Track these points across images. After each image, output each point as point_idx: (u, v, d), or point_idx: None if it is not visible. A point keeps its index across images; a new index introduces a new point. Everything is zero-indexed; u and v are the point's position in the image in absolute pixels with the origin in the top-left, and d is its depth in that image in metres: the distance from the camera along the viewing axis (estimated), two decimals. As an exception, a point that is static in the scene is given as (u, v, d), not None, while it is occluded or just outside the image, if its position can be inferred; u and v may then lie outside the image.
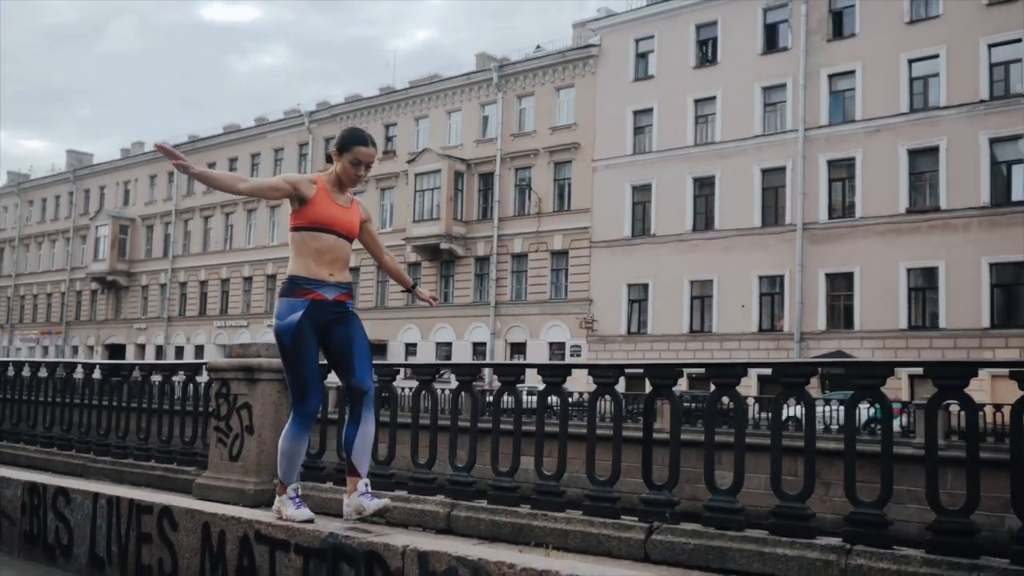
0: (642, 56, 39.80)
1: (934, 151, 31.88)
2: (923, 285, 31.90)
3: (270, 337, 39.41)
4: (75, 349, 62.06)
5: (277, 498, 4.68)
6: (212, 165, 55.99)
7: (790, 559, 4.63)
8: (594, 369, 5.83)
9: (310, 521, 4.41)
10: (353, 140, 4.78)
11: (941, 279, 31.32)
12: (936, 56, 32.04)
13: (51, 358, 61.54)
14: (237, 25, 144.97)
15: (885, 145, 32.72)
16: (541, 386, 6.04)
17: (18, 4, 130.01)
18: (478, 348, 42.74)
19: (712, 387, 5.39)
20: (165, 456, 8.31)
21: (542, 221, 41.65)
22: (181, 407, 8.42)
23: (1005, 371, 4.40)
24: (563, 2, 76.80)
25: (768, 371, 5.59)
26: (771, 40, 36.30)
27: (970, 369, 4.53)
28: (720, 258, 35.96)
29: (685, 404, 24.95)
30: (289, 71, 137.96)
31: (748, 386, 29.14)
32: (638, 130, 39.41)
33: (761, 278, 35.25)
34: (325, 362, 4.95)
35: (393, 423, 6.96)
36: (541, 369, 6.02)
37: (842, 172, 34.01)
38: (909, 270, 31.98)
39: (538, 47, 45.89)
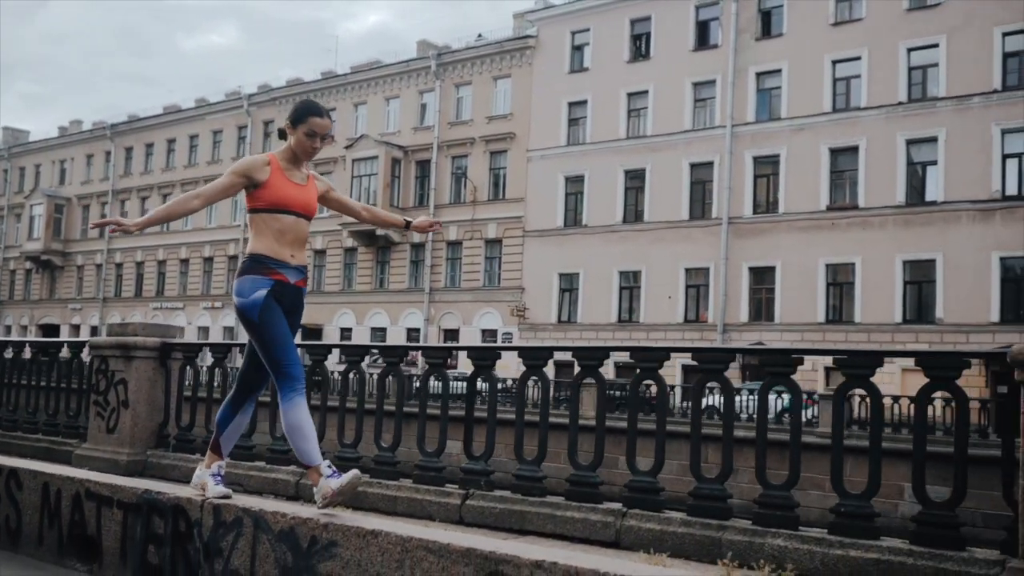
0: (578, 48, 40.42)
1: (854, 150, 32.92)
2: (840, 280, 32.94)
3: (206, 320, 39.44)
4: (8, 329, 61.38)
5: (316, 488, 4.35)
6: (151, 146, 55.87)
7: (576, 521, 5.21)
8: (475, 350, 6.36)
9: (356, 481, 4.35)
10: (307, 111, 4.70)
11: (858, 275, 32.38)
12: (858, 58, 33.06)
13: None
14: (185, 2, 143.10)
15: (808, 143, 33.70)
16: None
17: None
18: (412, 334, 43.18)
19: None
20: (51, 429, 8.70)
21: (477, 209, 42.16)
22: (67, 383, 8.81)
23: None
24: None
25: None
26: (702, 37, 37.10)
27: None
28: (649, 250, 36.77)
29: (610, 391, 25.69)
30: (239, 51, 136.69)
31: (672, 375, 29.93)
32: (572, 122, 40.06)
33: (687, 270, 36.10)
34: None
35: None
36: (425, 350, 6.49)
37: (767, 168, 34.94)
38: (828, 265, 33.02)
39: (479, 36, 46.28)
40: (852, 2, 33.75)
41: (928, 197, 31.64)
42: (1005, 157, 30.25)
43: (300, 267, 4.72)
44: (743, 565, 4.40)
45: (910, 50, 32.10)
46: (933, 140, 31.39)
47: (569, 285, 39.27)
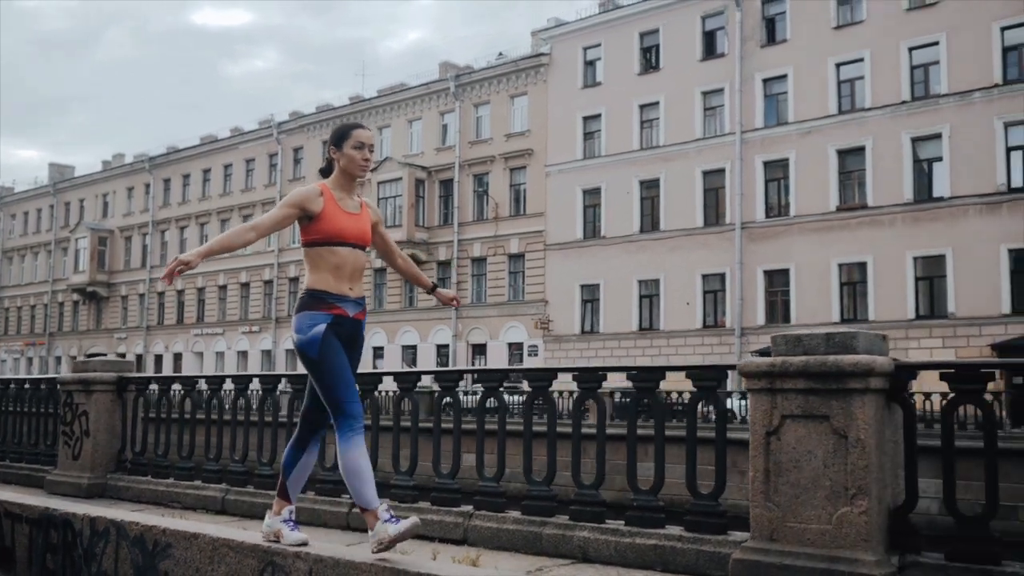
0: (590, 64, 41.16)
1: (861, 151, 33.23)
2: (853, 279, 33.24)
3: (245, 344, 40.88)
4: (58, 360, 63.44)
5: (370, 532, 4.37)
6: (187, 176, 57.57)
7: (435, 523, 5.98)
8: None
9: (415, 527, 4.35)
10: (348, 127, 4.67)
11: (870, 273, 32.65)
12: (861, 59, 33.38)
13: (35, 369, 63.05)
14: (228, 29, 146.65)
15: (816, 146, 34.08)
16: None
17: (11, 13, 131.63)
18: (441, 350, 44.13)
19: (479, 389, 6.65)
20: (33, 457, 9.68)
21: (499, 225, 43.03)
22: (46, 414, 9.77)
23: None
24: (555, 2, 78.70)
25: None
26: (709, 46, 37.64)
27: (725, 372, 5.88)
28: (666, 258, 37.33)
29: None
30: (281, 74, 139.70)
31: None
32: (587, 135, 40.77)
33: (704, 276, 36.58)
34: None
35: (193, 420, 8.26)
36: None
37: (777, 172, 35.35)
38: (840, 265, 33.32)
39: (500, 54, 47.27)
40: (853, 4, 34.12)
41: (935, 193, 31.84)
42: (1009, 150, 30.39)
43: (359, 300, 4.64)
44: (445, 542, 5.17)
45: (911, 49, 32.38)
46: (937, 137, 31.64)
47: (591, 296, 39.93)
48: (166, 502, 7.77)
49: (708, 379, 5.18)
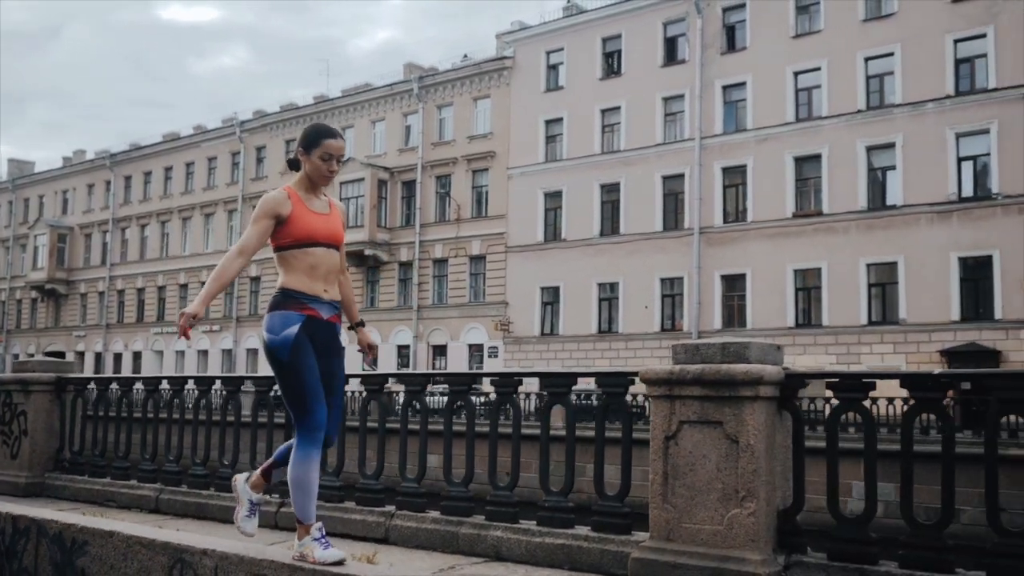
0: (553, 68, 41.44)
1: (817, 158, 33.75)
2: (808, 285, 33.74)
3: (205, 343, 40.46)
4: (16, 357, 62.71)
5: (298, 541, 4.41)
6: (149, 174, 57.21)
7: (358, 522, 6.14)
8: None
9: (341, 562, 4.35)
10: (320, 134, 4.49)
11: (824, 279, 33.15)
12: (818, 68, 33.91)
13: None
14: (196, 26, 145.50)
15: (773, 153, 34.55)
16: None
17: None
18: (402, 351, 44.20)
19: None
20: (-29, 457, 9.72)
21: (461, 227, 43.20)
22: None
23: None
24: (524, 3, 79.00)
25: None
26: (671, 52, 38.03)
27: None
28: (625, 261, 37.67)
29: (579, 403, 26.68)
30: (250, 72, 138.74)
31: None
32: (550, 139, 41.04)
33: (663, 280, 36.96)
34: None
35: (130, 420, 8.38)
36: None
37: (735, 178, 35.80)
38: (795, 271, 33.81)
39: (465, 56, 47.44)
40: (811, 14, 34.65)
41: (889, 201, 32.40)
42: (960, 160, 31.03)
43: (333, 302, 4.54)
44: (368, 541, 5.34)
45: (867, 59, 32.94)
46: (891, 146, 32.20)
47: (551, 298, 40.19)
48: (102, 501, 7.86)
49: (614, 386, 5.39)
